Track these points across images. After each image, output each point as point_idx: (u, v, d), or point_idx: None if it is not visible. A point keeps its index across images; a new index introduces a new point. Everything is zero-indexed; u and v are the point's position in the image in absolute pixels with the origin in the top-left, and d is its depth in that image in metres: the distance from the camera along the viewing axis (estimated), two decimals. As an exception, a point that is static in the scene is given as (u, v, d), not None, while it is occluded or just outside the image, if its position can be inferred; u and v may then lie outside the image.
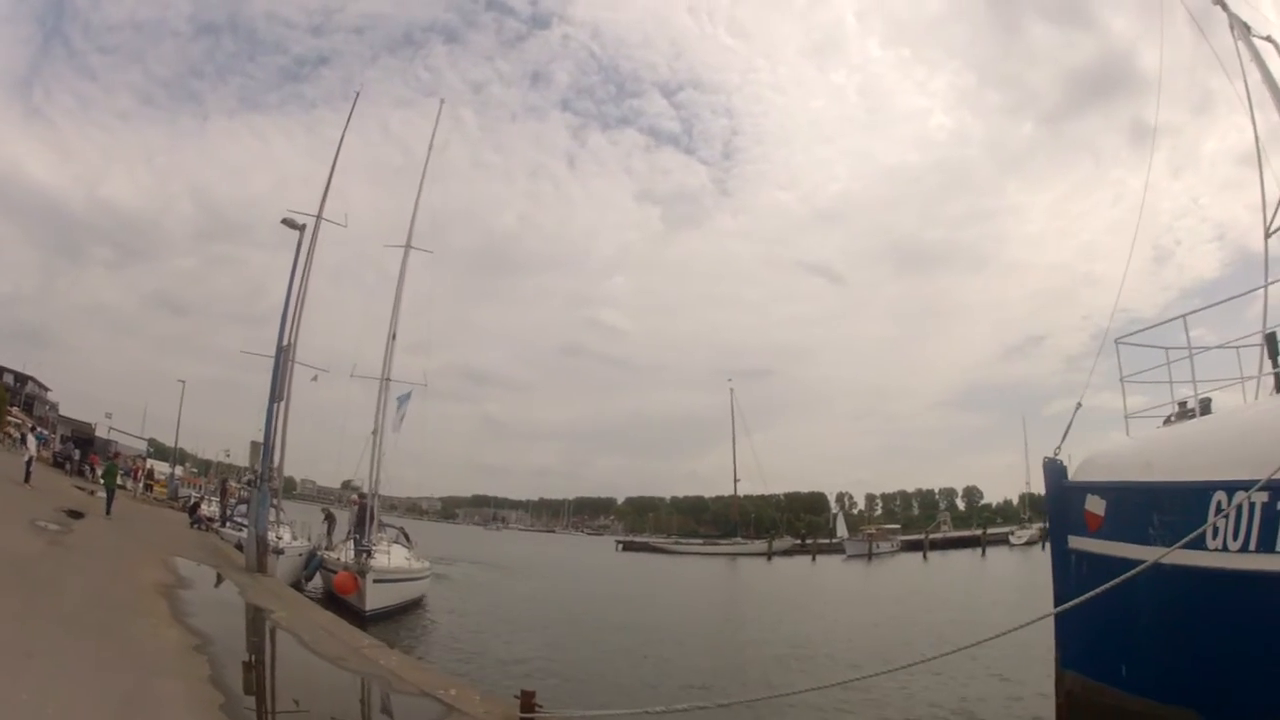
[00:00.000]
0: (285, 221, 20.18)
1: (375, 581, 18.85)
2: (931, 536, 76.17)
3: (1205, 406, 8.67)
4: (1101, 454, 8.95)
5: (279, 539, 21.10)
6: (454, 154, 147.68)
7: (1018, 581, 38.21)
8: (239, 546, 22.23)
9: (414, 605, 21.90)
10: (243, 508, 28.52)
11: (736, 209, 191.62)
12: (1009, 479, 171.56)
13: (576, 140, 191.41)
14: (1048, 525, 9.86)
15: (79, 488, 29.52)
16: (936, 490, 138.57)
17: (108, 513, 21.56)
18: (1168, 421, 9.00)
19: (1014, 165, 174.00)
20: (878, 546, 68.19)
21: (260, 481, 18.89)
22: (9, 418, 43.32)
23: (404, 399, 25.73)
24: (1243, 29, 10.93)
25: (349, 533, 25.86)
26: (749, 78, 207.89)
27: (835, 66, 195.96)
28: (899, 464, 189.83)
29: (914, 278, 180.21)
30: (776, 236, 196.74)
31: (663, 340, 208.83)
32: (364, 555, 19.75)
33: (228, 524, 27.73)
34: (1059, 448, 9.35)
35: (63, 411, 61.10)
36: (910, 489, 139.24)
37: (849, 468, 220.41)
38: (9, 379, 53.92)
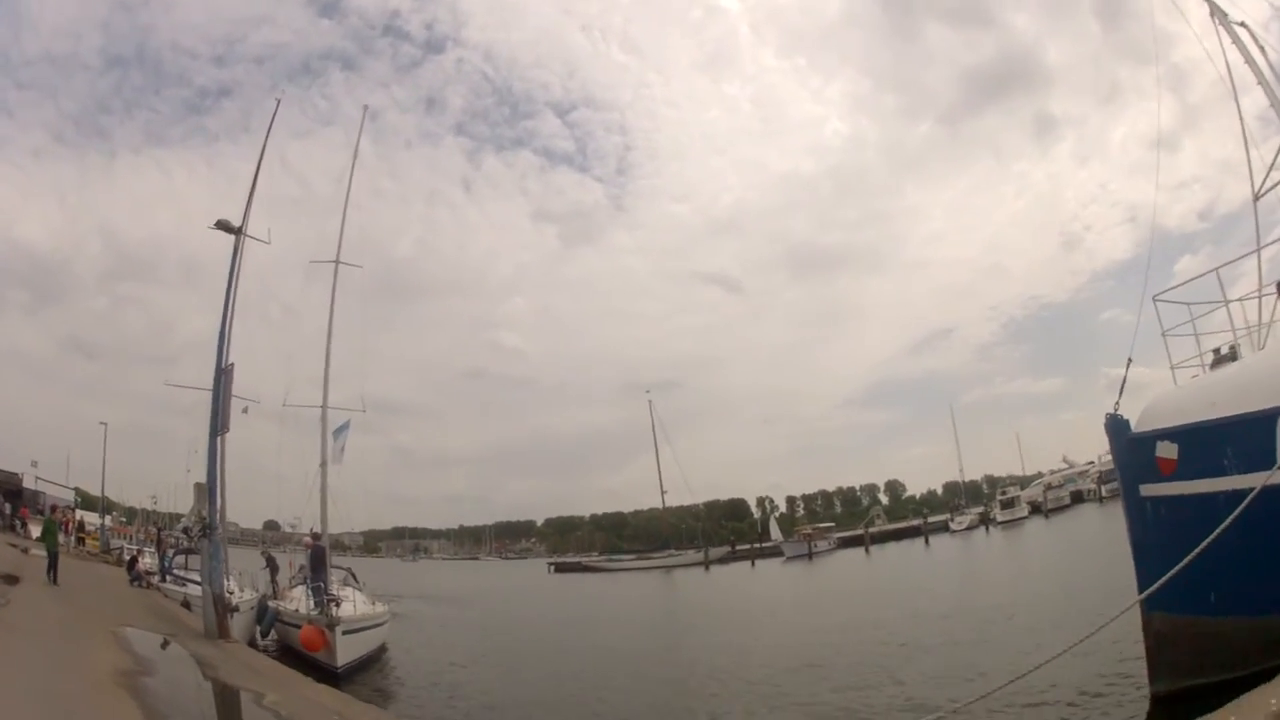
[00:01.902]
0: (219, 224, 18.09)
1: (344, 633, 17.70)
2: (869, 531, 76.98)
3: (1234, 353, 9.69)
4: (1158, 404, 9.56)
5: (230, 594, 19.84)
6: (353, 185, 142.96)
7: (987, 561, 39.49)
8: (185, 604, 21.29)
9: (379, 652, 20.94)
10: (180, 559, 27.49)
11: (632, 224, 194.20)
12: (931, 470, 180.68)
13: (471, 164, 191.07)
14: (1117, 478, 10.23)
15: (11, 545, 27.17)
16: (858, 487, 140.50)
17: (53, 580, 18.95)
18: (1215, 366, 9.80)
19: (912, 166, 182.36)
20: (816, 546, 68.81)
21: (210, 531, 16.93)
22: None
23: (342, 429, 24.88)
24: (1221, 14, 12.08)
25: (295, 578, 25.15)
26: (642, 93, 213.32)
27: (729, 78, 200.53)
28: (814, 465, 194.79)
29: (812, 282, 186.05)
30: (673, 249, 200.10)
31: (565, 359, 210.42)
32: (331, 605, 18.32)
33: (167, 578, 25.99)
34: (1118, 404, 9.75)
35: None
36: (830, 488, 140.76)
37: (764, 472, 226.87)
38: None
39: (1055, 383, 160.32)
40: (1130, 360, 10.48)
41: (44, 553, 20.39)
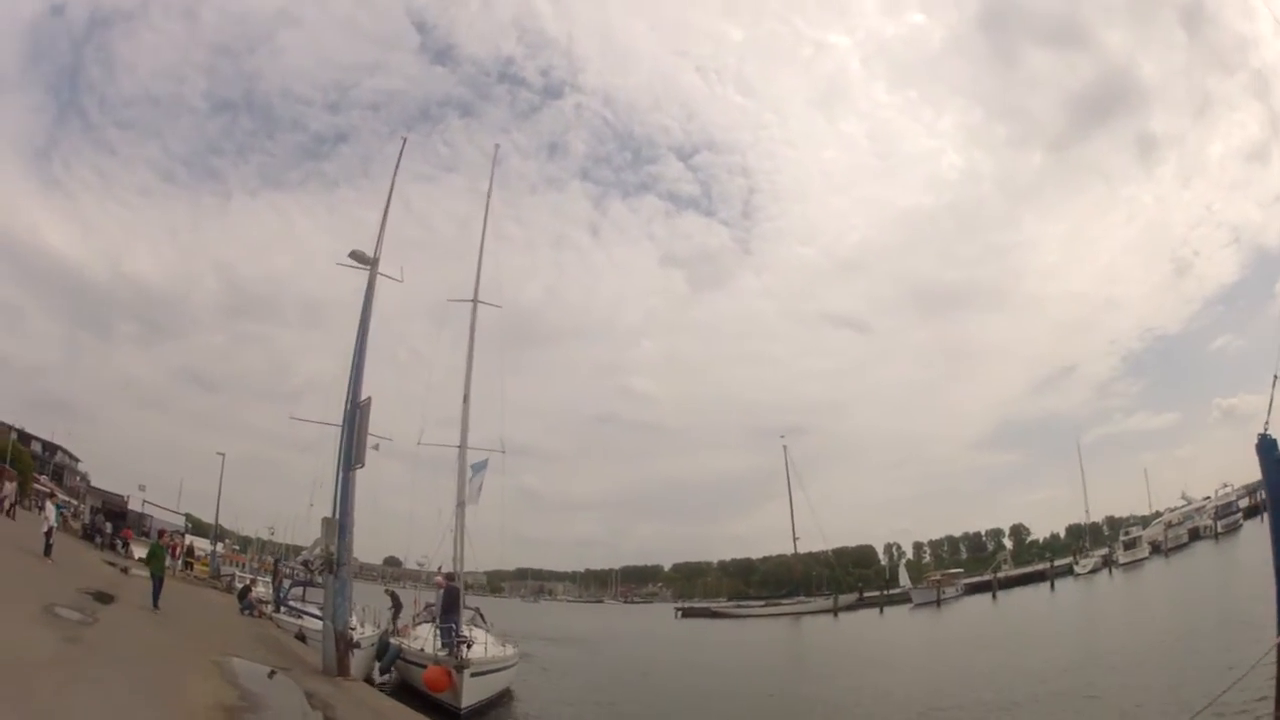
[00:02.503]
0: (353, 255, 17.60)
1: (471, 675, 16.48)
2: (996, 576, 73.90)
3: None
4: None
5: (352, 629, 17.43)
6: (476, 229, 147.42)
7: (1113, 605, 38.32)
8: (300, 637, 20.51)
9: (504, 695, 19.31)
10: (297, 590, 26.49)
11: (759, 267, 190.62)
12: (1052, 513, 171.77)
13: (598, 209, 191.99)
14: (1267, 504, 10.16)
15: (110, 563, 25.96)
16: (983, 532, 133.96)
17: (155, 605, 17.20)
18: None
19: (1026, 197, 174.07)
20: (944, 592, 65.95)
21: (337, 565, 15.34)
22: (36, 485, 40.27)
23: (479, 467, 24.51)
24: None
25: (420, 616, 24.39)
26: (761, 134, 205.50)
27: (844, 115, 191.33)
28: (940, 509, 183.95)
29: (938, 320, 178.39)
30: (800, 291, 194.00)
31: (694, 403, 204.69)
32: (463, 647, 17.11)
33: (282, 609, 24.64)
34: (1267, 423, 9.15)
35: (94, 483, 59.03)
36: (956, 533, 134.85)
37: (891, 517, 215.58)
38: (36, 447, 53.15)
39: (1171, 417, 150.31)
40: (1277, 377, 9.64)
41: (146, 574, 18.92)
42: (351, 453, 16.03)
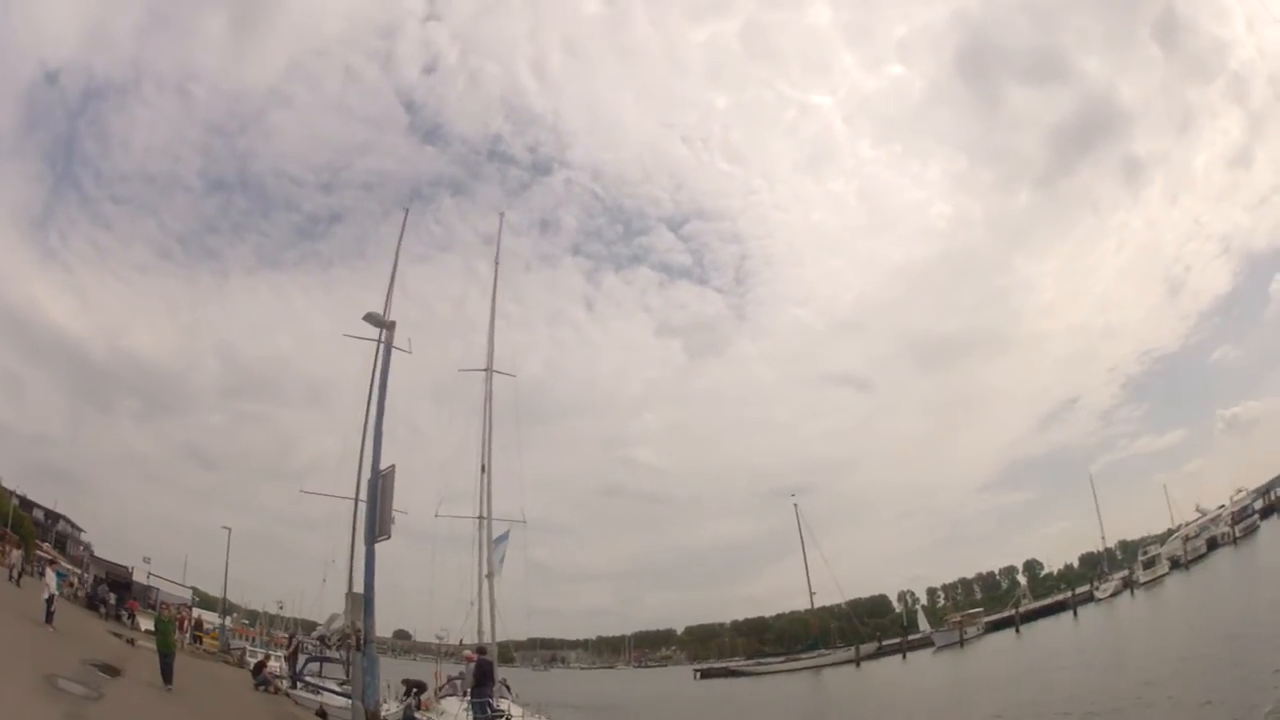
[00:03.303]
0: (368, 317, 17.40)
1: None
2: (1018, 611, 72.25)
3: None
4: None
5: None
6: (473, 308, 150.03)
7: (1138, 627, 37.40)
8: (321, 714, 19.45)
9: None
10: (314, 665, 25.45)
11: (755, 332, 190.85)
12: (1065, 545, 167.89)
13: (591, 283, 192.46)
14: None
15: (115, 634, 24.52)
16: (997, 571, 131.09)
17: (167, 682, 15.55)
18: None
19: (1017, 238, 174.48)
20: (965, 632, 64.75)
21: (365, 642, 14.27)
22: (39, 552, 39.04)
23: (501, 539, 24.47)
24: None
25: (444, 689, 23.40)
26: (750, 200, 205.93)
27: (831, 175, 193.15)
28: (952, 553, 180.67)
29: (938, 370, 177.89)
30: (798, 353, 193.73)
31: (698, 471, 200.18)
32: None
33: (299, 685, 23.23)
34: None
35: (97, 554, 57.65)
36: (969, 574, 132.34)
37: (902, 566, 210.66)
38: (39, 515, 52.63)
39: (1176, 435, 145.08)
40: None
41: (153, 647, 17.13)
42: (374, 524, 15.10)
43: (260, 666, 25.92)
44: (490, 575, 23.39)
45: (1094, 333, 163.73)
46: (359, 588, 18.33)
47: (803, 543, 78.45)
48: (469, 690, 18.49)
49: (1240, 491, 67.95)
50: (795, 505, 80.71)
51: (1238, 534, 60.76)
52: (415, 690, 22.85)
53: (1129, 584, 64.75)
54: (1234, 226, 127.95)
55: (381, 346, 16.56)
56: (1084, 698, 18.43)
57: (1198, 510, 74.80)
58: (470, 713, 17.12)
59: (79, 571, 45.06)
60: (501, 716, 16.52)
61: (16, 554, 29.18)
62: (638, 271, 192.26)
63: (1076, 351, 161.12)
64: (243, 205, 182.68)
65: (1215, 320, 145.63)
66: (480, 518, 24.61)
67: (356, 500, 26.57)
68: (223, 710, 15.44)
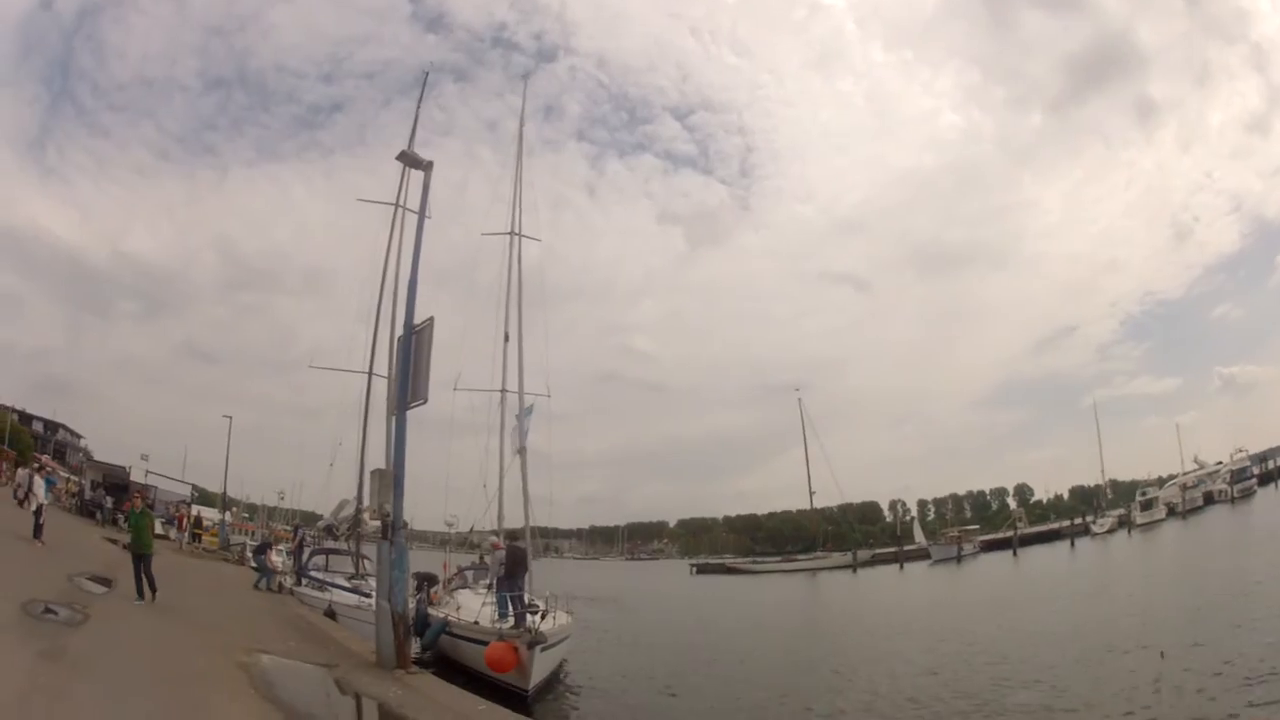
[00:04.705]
0: (402, 156, 16.22)
1: (541, 651, 14.18)
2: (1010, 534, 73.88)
3: None
4: None
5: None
6: (474, 192, 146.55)
7: (1145, 563, 37.67)
8: (329, 614, 18.31)
9: (561, 668, 17.18)
10: (319, 559, 23.89)
11: (758, 225, 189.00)
12: (1056, 473, 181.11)
13: (594, 169, 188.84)
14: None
15: (111, 540, 23.45)
16: (987, 491, 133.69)
17: (140, 595, 13.50)
18: None
19: (1026, 158, 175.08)
20: (962, 549, 66.01)
21: (393, 530, 12.21)
22: (34, 464, 38.22)
23: (526, 413, 22.56)
24: None
25: (455, 581, 22.09)
26: (757, 94, 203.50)
27: (841, 75, 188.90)
28: (944, 467, 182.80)
29: (938, 279, 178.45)
30: (800, 250, 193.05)
31: (695, 362, 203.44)
32: (535, 618, 14.71)
33: (303, 581, 22.09)
34: None
35: (96, 458, 56.76)
36: (960, 491, 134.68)
37: (894, 474, 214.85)
38: (38, 427, 53.50)
39: (1173, 383, 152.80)
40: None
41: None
42: (407, 387, 12.86)
43: (262, 550, 25.01)
44: (522, 450, 21.91)
45: (1097, 264, 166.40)
46: (372, 471, 16.74)
47: (805, 439, 78.05)
48: (494, 581, 17.23)
49: (1240, 452, 69.38)
50: (799, 400, 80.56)
51: (1235, 494, 62.38)
52: (425, 583, 21.60)
53: (1125, 523, 65.83)
54: (1246, 189, 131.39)
55: (423, 184, 14.37)
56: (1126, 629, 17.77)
57: (1196, 462, 76.31)
58: (496, 607, 15.94)
59: (75, 479, 44.45)
60: (536, 611, 15.07)
61: (22, 473, 27.75)
62: (641, 159, 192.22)
63: (1078, 280, 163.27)
64: (242, 100, 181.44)
65: (1220, 276, 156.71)
66: (504, 390, 23.38)
67: (370, 374, 26.12)
68: (225, 618, 14.35)
